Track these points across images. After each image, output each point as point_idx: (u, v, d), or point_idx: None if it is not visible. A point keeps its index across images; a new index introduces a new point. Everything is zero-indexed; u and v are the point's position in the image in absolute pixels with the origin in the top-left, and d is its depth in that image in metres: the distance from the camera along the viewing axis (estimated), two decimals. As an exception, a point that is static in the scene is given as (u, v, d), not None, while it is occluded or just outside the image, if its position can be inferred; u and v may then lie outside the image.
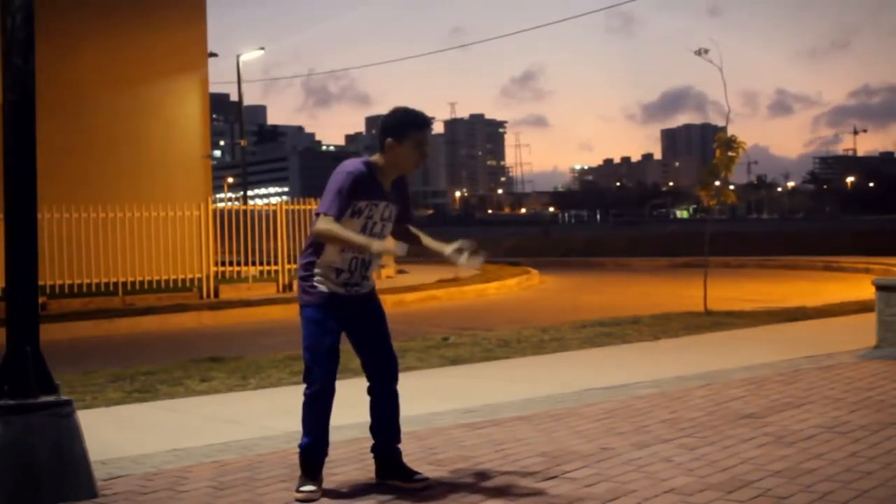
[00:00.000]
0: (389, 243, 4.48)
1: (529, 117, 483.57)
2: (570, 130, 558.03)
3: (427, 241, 4.71)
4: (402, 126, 4.45)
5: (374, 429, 4.62)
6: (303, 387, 4.52)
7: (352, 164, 4.44)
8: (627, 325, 11.36)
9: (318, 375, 4.43)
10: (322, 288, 4.46)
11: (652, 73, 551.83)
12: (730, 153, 13.14)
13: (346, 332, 4.53)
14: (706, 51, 13.12)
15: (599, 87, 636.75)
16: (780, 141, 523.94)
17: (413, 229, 4.77)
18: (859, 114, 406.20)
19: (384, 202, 4.49)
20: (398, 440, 4.62)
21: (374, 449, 4.64)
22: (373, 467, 4.66)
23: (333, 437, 4.68)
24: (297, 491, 4.39)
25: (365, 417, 4.68)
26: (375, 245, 4.35)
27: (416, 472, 4.54)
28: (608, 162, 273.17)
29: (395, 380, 4.61)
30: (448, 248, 4.43)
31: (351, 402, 5.10)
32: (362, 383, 4.66)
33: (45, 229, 15.70)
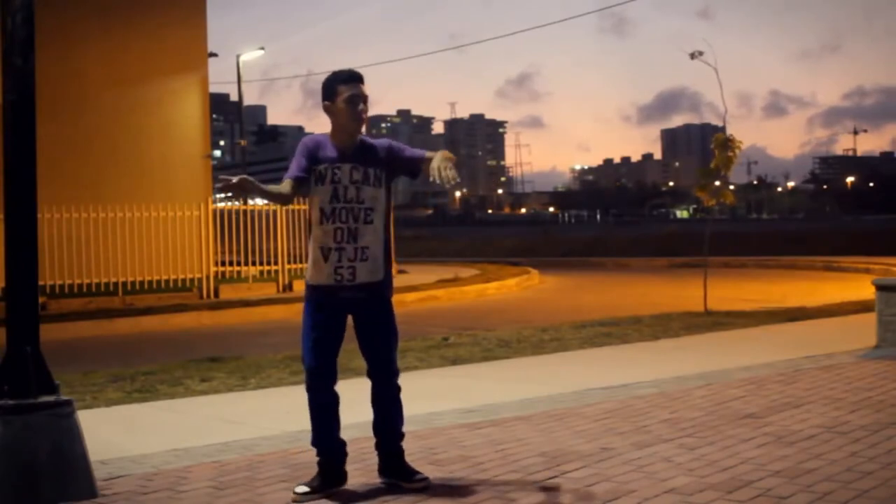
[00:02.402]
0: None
1: (527, 118, 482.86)
2: (567, 131, 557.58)
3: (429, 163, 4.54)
4: (331, 84, 4.53)
5: (376, 428, 4.64)
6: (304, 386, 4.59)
7: (307, 136, 4.64)
8: (627, 325, 11.36)
9: (305, 368, 4.54)
10: (310, 282, 4.52)
11: (647, 74, 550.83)
12: (728, 153, 13.14)
13: (353, 323, 4.55)
14: (700, 53, 13.14)
15: (595, 89, 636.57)
16: (777, 142, 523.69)
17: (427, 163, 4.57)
18: (853, 115, 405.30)
19: (348, 164, 4.47)
20: (400, 439, 4.63)
21: (377, 448, 4.65)
22: (373, 467, 4.67)
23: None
24: (293, 491, 4.42)
25: (366, 417, 4.69)
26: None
27: (417, 472, 4.54)
28: (608, 162, 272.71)
29: (393, 384, 4.61)
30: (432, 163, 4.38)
31: (351, 402, 5.10)
32: (363, 383, 4.66)
33: (45, 229, 15.67)
